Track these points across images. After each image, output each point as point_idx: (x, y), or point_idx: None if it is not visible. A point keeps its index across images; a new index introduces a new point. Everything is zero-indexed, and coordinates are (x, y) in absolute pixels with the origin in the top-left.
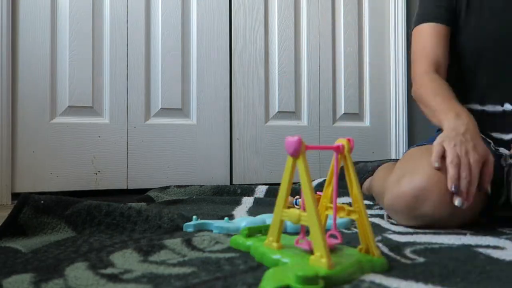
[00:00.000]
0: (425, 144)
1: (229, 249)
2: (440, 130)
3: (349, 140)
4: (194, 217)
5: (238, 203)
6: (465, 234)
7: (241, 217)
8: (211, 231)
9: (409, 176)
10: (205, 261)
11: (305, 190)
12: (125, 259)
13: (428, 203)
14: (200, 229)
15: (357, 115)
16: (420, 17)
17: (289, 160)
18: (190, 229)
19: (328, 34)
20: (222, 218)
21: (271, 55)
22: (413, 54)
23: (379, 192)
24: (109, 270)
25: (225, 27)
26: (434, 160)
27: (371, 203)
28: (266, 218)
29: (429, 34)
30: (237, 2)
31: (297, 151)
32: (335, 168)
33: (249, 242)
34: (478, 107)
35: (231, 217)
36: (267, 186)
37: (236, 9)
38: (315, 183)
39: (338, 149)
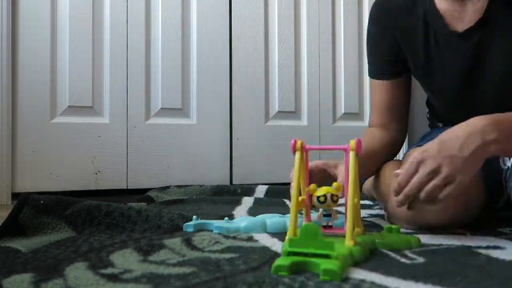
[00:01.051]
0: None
1: (228, 249)
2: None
3: (358, 140)
4: (194, 217)
5: (238, 203)
6: (464, 234)
7: (241, 217)
8: (211, 231)
9: None
10: (205, 261)
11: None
12: (125, 259)
13: (430, 213)
14: (200, 229)
15: (357, 115)
16: (369, 70)
17: (297, 156)
18: (190, 229)
19: (328, 34)
20: (222, 218)
21: (271, 55)
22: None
23: (384, 193)
24: (109, 270)
25: (225, 27)
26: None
27: (371, 203)
28: (266, 218)
29: (378, 88)
30: (237, 2)
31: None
32: (345, 166)
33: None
34: None
35: (231, 217)
36: (267, 186)
37: (236, 9)
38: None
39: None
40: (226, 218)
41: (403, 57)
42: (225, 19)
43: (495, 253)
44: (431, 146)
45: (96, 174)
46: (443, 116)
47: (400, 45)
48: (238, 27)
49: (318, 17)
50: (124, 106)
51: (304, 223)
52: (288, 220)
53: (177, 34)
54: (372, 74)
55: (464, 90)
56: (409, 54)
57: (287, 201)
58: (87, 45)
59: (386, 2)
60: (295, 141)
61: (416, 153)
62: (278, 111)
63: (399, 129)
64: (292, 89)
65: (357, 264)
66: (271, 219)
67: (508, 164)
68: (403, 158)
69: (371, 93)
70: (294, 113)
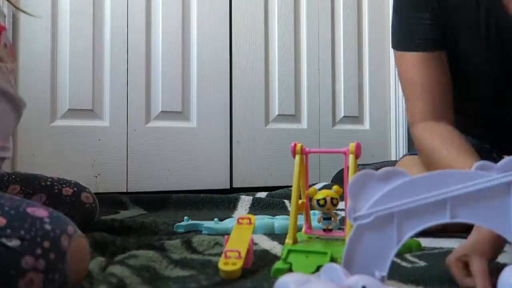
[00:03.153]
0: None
1: None
2: None
3: (357, 144)
4: (186, 218)
5: (235, 207)
6: (465, 237)
7: (231, 218)
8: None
9: None
10: (204, 264)
11: None
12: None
13: None
14: (190, 229)
15: (357, 118)
16: (400, 39)
17: (297, 159)
18: (181, 230)
19: (328, 37)
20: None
21: (271, 58)
22: (403, 86)
23: None
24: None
25: (225, 31)
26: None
27: None
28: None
29: (422, 65)
30: (237, 7)
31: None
32: (345, 169)
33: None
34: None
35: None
36: (266, 193)
37: (236, 14)
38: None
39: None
40: (216, 219)
41: (444, 28)
42: (225, 22)
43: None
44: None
45: (96, 177)
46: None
47: (443, 12)
48: (238, 30)
49: (318, 20)
50: (124, 109)
51: (304, 226)
52: (276, 221)
53: (177, 37)
54: (409, 45)
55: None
56: (452, 29)
57: (286, 202)
58: (88, 48)
59: None
60: (295, 144)
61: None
62: (278, 114)
63: (453, 120)
64: (292, 93)
65: None
66: (260, 220)
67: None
68: (397, 162)
69: (406, 78)
70: (294, 116)
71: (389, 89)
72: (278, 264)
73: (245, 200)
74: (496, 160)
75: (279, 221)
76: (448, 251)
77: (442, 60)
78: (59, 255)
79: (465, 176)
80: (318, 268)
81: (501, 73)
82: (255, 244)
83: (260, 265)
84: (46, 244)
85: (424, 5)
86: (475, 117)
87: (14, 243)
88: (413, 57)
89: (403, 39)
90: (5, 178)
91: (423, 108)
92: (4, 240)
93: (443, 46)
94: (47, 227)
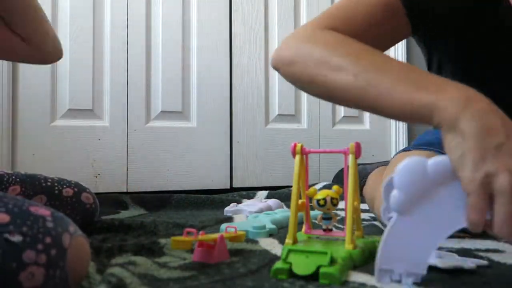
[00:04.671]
0: (411, 150)
1: (229, 252)
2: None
3: (357, 144)
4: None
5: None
6: (464, 237)
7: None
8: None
9: None
10: (205, 265)
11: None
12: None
13: None
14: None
15: (357, 118)
16: None
17: (297, 159)
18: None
19: None
20: (221, 222)
21: (271, 58)
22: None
23: (371, 198)
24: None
25: (225, 31)
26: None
27: None
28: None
29: (375, 4)
30: (237, 5)
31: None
32: (344, 169)
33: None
34: None
35: (230, 220)
36: (267, 192)
37: (236, 13)
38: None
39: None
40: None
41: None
42: (225, 22)
43: (495, 257)
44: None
45: (96, 177)
46: None
47: None
48: (239, 30)
49: None
50: (124, 109)
51: (304, 226)
52: (282, 214)
53: (177, 37)
54: None
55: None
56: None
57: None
58: (88, 48)
59: None
60: (295, 144)
61: (470, 174)
62: (278, 114)
63: None
64: (292, 92)
65: (357, 267)
66: (279, 214)
67: None
68: (390, 161)
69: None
70: (294, 116)
71: None
72: (278, 264)
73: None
74: None
75: (285, 213)
76: (448, 251)
77: (395, 29)
78: (60, 251)
79: None
80: (318, 268)
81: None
82: (255, 243)
83: (261, 265)
84: (48, 240)
85: None
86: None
87: (16, 238)
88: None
89: None
90: (5, 179)
91: (333, 24)
92: (7, 235)
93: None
94: (49, 224)
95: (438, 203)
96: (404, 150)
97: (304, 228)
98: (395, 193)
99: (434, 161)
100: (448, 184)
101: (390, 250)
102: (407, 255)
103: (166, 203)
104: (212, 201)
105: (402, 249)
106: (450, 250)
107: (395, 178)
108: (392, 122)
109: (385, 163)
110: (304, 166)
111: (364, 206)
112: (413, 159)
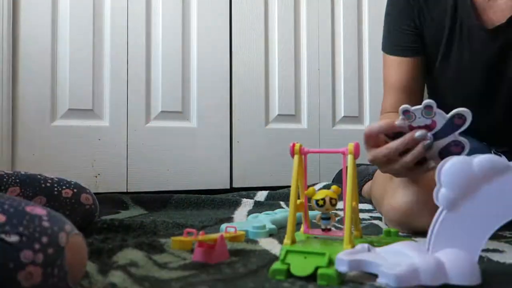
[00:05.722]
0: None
1: (229, 252)
2: None
3: (356, 144)
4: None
5: (238, 205)
6: None
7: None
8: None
9: (402, 189)
10: (205, 264)
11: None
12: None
13: (420, 219)
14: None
15: (357, 118)
16: (385, 43)
17: (296, 159)
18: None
19: (328, 37)
20: (221, 222)
21: (271, 58)
22: (383, 82)
23: (379, 197)
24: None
25: (225, 31)
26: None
27: (371, 206)
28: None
29: (396, 67)
30: (237, 6)
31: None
32: (343, 169)
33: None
34: None
35: (230, 220)
36: (267, 192)
37: (236, 13)
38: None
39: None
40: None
41: (422, 37)
42: (225, 22)
43: (495, 257)
44: None
45: (96, 177)
46: None
47: (422, 24)
48: (239, 30)
49: (318, 20)
50: (125, 109)
51: (303, 226)
52: (282, 214)
53: (177, 37)
54: (390, 49)
55: (478, 94)
56: (429, 38)
57: (282, 203)
58: (88, 48)
59: None
60: (294, 144)
61: None
62: (278, 114)
63: None
64: (292, 92)
65: None
66: (279, 214)
67: None
68: None
69: (385, 75)
70: (294, 116)
71: None
72: (276, 265)
73: (247, 203)
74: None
75: (285, 213)
76: None
77: (414, 64)
78: (57, 250)
79: None
80: (316, 269)
81: (472, 78)
82: (255, 243)
83: (260, 265)
84: (45, 239)
85: (407, 16)
86: None
87: (13, 238)
88: (390, 59)
89: (386, 42)
90: (5, 179)
91: (389, 102)
92: (3, 236)
93: (417, 52)
94: (46, 224)
95: (486, 198)
96: None
97: (303, 228)
98: (443, 191)
99: (479, 159)
100: (494, 179)
101: (439, 244)
102: (457, 247)
103: (166, 203)
104: (212, 201)
105: (451, 242)
106: None
107: (442, 177)
108: None
109: None
110: (302, 166)
111: (363, 206)
112: (458, 159)
